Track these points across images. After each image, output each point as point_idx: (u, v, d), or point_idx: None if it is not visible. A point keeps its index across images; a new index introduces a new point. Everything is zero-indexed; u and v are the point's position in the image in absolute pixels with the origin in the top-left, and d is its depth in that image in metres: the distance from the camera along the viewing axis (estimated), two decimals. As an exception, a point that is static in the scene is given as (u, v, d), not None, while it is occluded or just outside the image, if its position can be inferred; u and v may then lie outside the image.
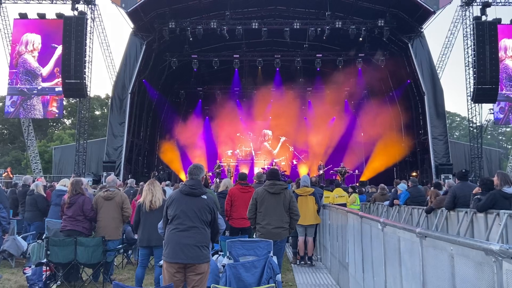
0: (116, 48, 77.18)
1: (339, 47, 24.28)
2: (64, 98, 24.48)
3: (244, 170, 25.69)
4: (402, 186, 10.33)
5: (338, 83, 25.66)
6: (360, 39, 22.06)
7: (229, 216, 7.14)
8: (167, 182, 13.95)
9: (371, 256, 4.34)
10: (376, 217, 4.22)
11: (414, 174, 22.47)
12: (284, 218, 5.58)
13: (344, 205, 10.92)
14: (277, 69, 24.96)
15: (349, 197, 12.11)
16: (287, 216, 5.61)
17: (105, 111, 44.97)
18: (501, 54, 21.56)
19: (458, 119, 59.29)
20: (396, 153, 24.05)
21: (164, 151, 26.01)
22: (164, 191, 11.32)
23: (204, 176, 4.47)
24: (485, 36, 19.54)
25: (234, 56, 24.14)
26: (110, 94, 24.40)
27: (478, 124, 22.15)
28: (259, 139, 29.08)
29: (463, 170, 7.32)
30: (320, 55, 23.97)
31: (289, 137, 28.94)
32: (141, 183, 11.58)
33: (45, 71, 21.97)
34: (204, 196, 4.22)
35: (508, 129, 56.09)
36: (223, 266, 4.81)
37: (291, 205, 5.63)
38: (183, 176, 23.98)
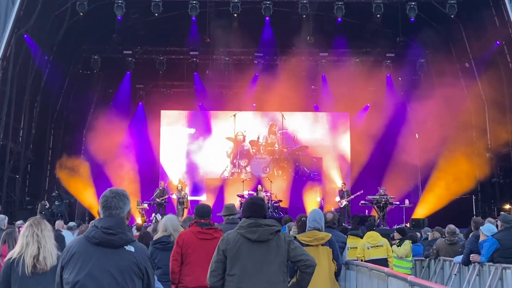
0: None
1: (376, -19, 24.51)
2: None
3: (208, 200, 25.61)
4: (487, 229, 10.40)
5: (374, 45, 25.75)
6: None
7: (177, 283, 7.11)
8: (71, 223, 13.76)
9: None
10: (439, 285, 4.25)
11: (507, 207, 22.72)
12: (280, 285, 5.56)
13: (384, 261, 10.92)
14: (267, 18, 24.98)
15: (395, 246, 12.13)
16: (284, 279, 5.60)
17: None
18: None
19: None
20: (476, 170, 24.28)
21: (63, 166, 25.71)
22: (60, 239, 11.18)
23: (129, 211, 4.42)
24: None
25: (191, -6, 24.10)
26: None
27: None
28: (236, 144, 29.07)
29: None
30: (344, -5, 24.13)
31: (288, 140, 29.00)
32: (19, 222, 11.44)
33: None
34: (131, 248, 4.18)
35: None
36: None
37: (293, 254, 5.58)
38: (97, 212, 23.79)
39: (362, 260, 10.52)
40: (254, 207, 5.81)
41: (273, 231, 5.61)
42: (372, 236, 11.38)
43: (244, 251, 5.58)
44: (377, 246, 11.15)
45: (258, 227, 5.61)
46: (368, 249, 11.03)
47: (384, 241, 11.52)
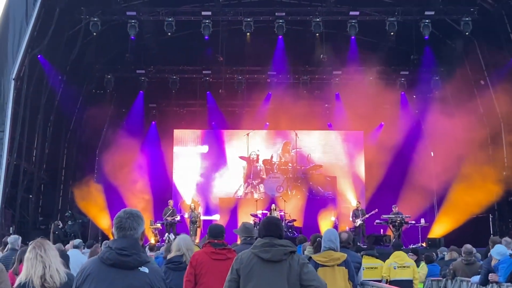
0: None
1: (390, -1, 24.62)
2: None
3: (221, 220, 25.56)
4: (496, 252, 10.27)
5: (388, 63, 25.77)
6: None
7: (191, 304, 7.10)
8: (77, 241, 13.75)
9: None
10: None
11: (525, 225, 22.53)
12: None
13: (409, 282, 10.86)
14: (280, 37, 25.07)
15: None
16: None
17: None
18: None
19: None
20: (493, 189, 24.09)
21: (77, 186, 25.79)
22: (65, 259, 11.16)
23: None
24: None
25: (203, 14, 24.23)
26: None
27: None
28: (249, 163, 29.06)
29: None
30: (357, 13, 24.18)
31: (302, 159, 28.96)
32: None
33: None
34: (145, 269, 4.18)
35: None
36: None
37: (305, 278, 5.55)
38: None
39: (387, 280, 10.46)
40: (270, 226, 5.81)
41: (287, 251, 5.59)
42: (400, 256, 11.33)
43: (257, 270, 5.57)
44: (404, 266, 11.09)
45: (272, 246, 5.60)
46: (395, 268, 10.96)
47: (411, 262, 11.46)
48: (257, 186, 28.69)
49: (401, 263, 11.15)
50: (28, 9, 21.13)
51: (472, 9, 23.39)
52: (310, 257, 7.84)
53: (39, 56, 22.71)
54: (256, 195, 28.03)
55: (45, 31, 22.31)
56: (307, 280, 5.54)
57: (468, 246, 12.75)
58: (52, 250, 5.84)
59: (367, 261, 10.88)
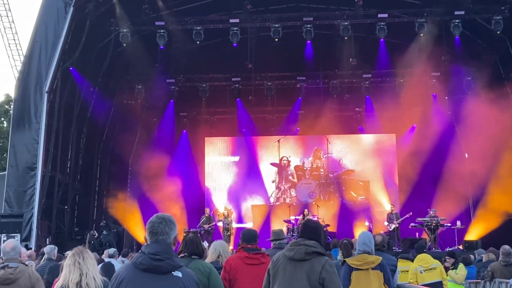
0: (22, 16, 78.46)
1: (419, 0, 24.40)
2: None
3: (254, 226, 25.54)
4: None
5: (418, 65, 25.59)
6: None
7: (226, 310, 7.06)
8: (112, 250, 13.88)
9: None
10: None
11: None
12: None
13: (439, 284, 10.68)
14: (308, 42, 25.09)
15: (451, 271, 11.86)
16: None
17: (4, 124, 45.43)
18: None
19: None
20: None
21: (111, 196, 26.04)
22: (110, 268, 11.28)
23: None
24: None
25: (231, 21, 24.37)
26: (12, 95, 24.53)
27: None
28: (281, 170, 29.04)
29: None
30: (385, 16, 24.09)
31: (333, 164, 28.86)
32: (68, 252, 11.55)
33: None
34: (178, 273, 4.19)
35: None
36: None
37: (325, 282, 5.55)
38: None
39: (415, 284, 10.28)
40: (304, 228, 6.04)
41: (309, 250, 5.67)
42: (424, 259, 11.02)
43: (281, 268, 5.76)
44: (431, 269, 10.83)
45: (297, 245, 5.75)
46: (421, 273, 10.68)
47: (437, 263, 11.19)
48: (288, 190, 28.63)
49: (426, 266, 10.84)
50: (59, 23, 21.47)
51: (503, 8, 23.16)
52: (345, 261, 7.80)
53: (71, 68, 23.07)
54: (288, 200, 27.99)
55: (76, 44, 22.66)
56: (327, 283, 5.57)
57: (507, 247, 12.54)
58: (91, 258, 6.00)
59: (403, 264, 10.73)
